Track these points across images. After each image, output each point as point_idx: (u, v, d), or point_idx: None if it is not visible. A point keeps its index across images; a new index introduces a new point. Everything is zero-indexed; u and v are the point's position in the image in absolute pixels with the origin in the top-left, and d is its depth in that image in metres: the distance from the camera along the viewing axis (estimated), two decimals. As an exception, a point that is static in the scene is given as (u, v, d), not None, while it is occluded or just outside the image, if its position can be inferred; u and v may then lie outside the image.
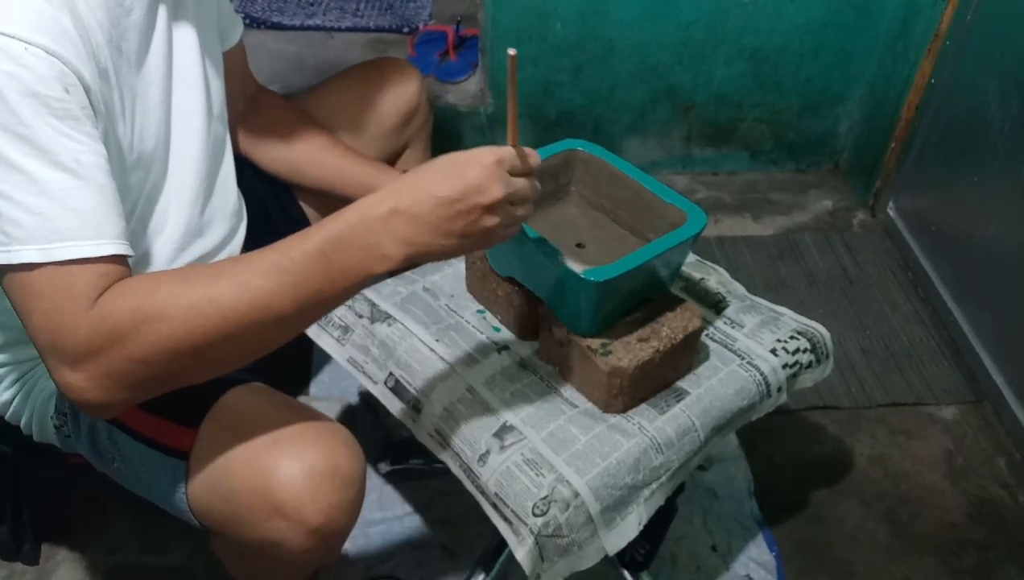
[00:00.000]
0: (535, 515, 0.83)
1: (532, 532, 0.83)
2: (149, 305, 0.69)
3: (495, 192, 0.71)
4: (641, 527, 0.89)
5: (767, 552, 1.27)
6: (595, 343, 0.90)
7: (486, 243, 0.75)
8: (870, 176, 1.92)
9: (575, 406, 0.93)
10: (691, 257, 1.12)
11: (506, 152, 0.73)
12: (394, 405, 0.97)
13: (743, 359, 0.99)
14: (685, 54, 1.81)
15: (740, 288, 1.11)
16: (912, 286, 1.74)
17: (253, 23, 2.12)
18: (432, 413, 0.94)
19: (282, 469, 0.78)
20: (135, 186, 0.85)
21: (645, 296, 0.94)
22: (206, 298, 0.69)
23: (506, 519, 0.86)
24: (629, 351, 0.89)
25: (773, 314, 1.06)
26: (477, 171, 0.70)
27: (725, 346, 1.01)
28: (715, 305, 1.06)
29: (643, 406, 0.93)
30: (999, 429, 1.47)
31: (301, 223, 1.21)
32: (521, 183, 0.73)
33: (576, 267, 0.85)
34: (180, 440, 0.85)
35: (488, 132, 1.91)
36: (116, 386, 0.70)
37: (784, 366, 0.99)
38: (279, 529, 0.78)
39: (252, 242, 1.09)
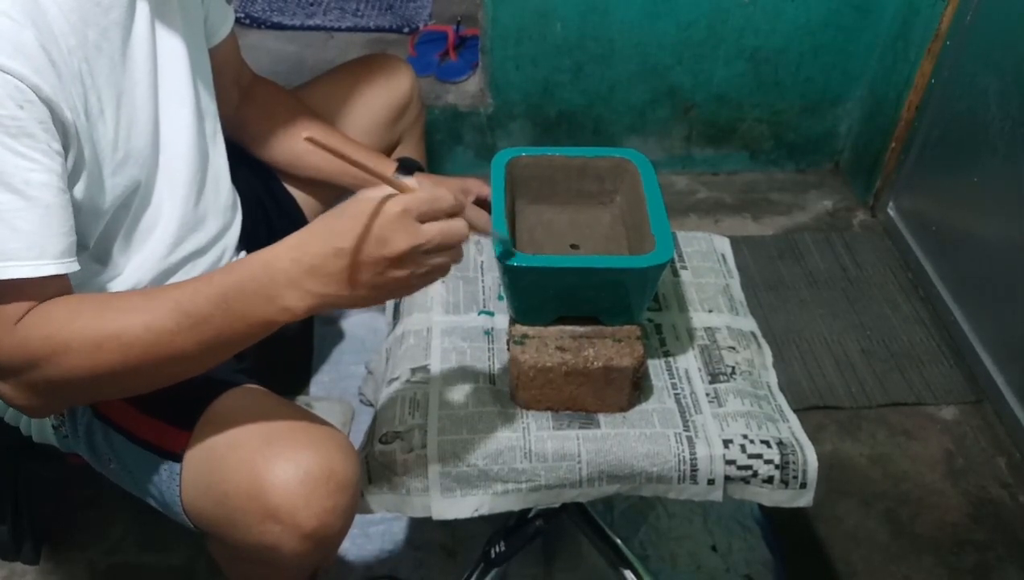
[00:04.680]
0: (380, 441, 0.90)
1: (368, 452, 0.90)
2: (60, 337, 0.71)
3: (398, 244, 0.67)
4: (478, 513, 0.89)
5: (767, 552, 1.27)
6: (520, 330, 0.92)
7: (404, 292, 0.73)
8: (870, 176, 1.92)
9: (494, 383, 0.96)
10: (750, 326, 1.07)
11: (413, 200, 0.68)
12: (388, 316, 1.12)
13: (686, 431, 0.91)
14: (685, 54, 1.81)
15: (770, 377, 1.02)
16: (912, 286, 1.74)
17: (253, 23, 2.12)
18: (395, 334, 1.05)
19: (276, 473, 0.77)
20: (124, 183, 0.85)
21: (591, 312, 0.92)
22: (111, 335, 0.71)
23: (371, 433, 0.93)
24: (540, 352, 0.89)
25: (772, 414, 0.96)
26: (378, 221, 0.67)
27: (681, 412, 0.94)
28: (716, 375, 0.99)
29: (548, 413, 0.93)
30: (999, 429, 1.47)
31: (294, 215, 1.22)
32: (433, 231, 0.69)
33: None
34: (174, 442, 0.85)
35: (488, 132, 1.91)
36: (39, 397, 0.75)
37: (729, 462, 0.90)
38: (273, 533, 0.77)
39: (247, 235, 1.09)
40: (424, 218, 0.69)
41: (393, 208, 0.68)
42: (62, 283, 0.75)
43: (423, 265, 0.70)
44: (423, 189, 0.70)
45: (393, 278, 0.70)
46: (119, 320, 0.71)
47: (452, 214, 0.71)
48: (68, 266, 0.74)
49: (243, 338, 0.73)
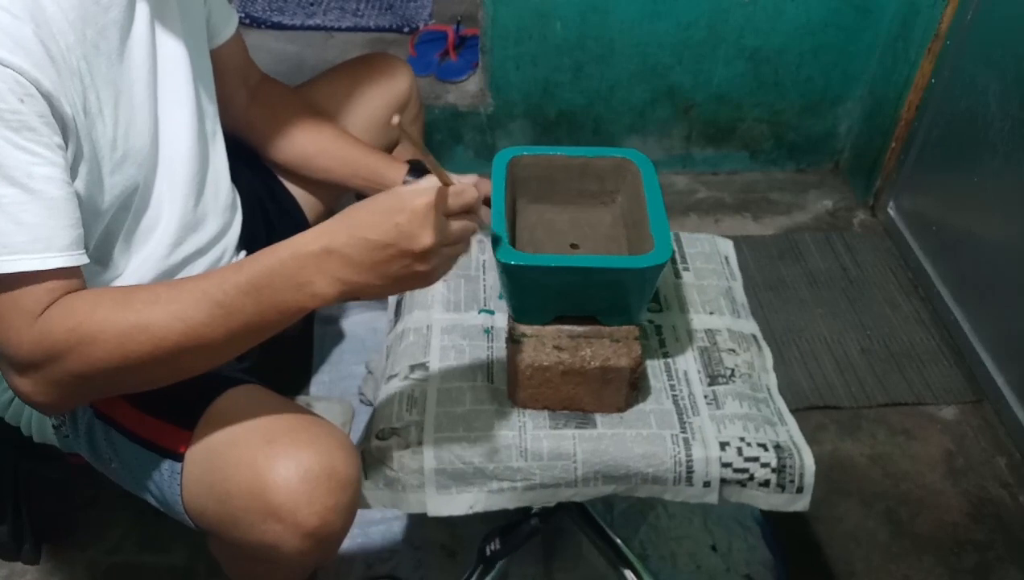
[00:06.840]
0: (377, 437, 0.91)
1: (365, 447, 0.90)
2: (85, 327, 0.71)
3: (424, 240, 0.69)
4: (473, 511, 0.90)
5: (767, 552, 1.27)
6: (518, 329, 0.92)
7: (423, 284, 0.75)
8: (870, 176, 1.92)
9: (492, 382, 0.96)
10: (751, 329, 1.06)
11: (439, 196, 0.70)
12: (390, 313, 1.12)
13: (683, 433, 0.91)
14: (685, 54, 1.81)
15: (770, 380, 1.02)
16: (912, 286, 1.74)
17: (253, 23, 2.12)
18: (396, 331, 1.05)
19: (277, 471, 0.77)
20: (123, 183, 0.85)
21: (589, 311, 0.92)
22: (139, 325, 0.71)
23: (368, 428, 0.94)
24: (537, 351, 0.90)
25: (771, 417, 0.95)
26: (407, 217, 0.69)
27: (679, 413, 0.93)
28: (716, 377, 0.98)
29: (545, 412, 0.93)
30: (999, 429, 1.47)
31: (294, 215, 1.22)
32: (455, 227, 0.72)
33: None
34: (176, 441, 0.85)
35: (488, 132, 1.91)
36: (59, 392, 0.74)
37: (725, 465, 0.90)
38: (274, 531, 0.78)
39: (247, 235, 1.09)
40: (450, 213, 0.71)
41: (420, 202, 0.69)
42: (76, 275, 0.75)
43: (443, 257, 0.73)
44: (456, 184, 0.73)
45: (415, 271, 0.72)
46: (147, 311, 0.72)
47: (472, 210, 0.73)
48: (77, 258, 0.74)
49: (273, 325, 0.74)
